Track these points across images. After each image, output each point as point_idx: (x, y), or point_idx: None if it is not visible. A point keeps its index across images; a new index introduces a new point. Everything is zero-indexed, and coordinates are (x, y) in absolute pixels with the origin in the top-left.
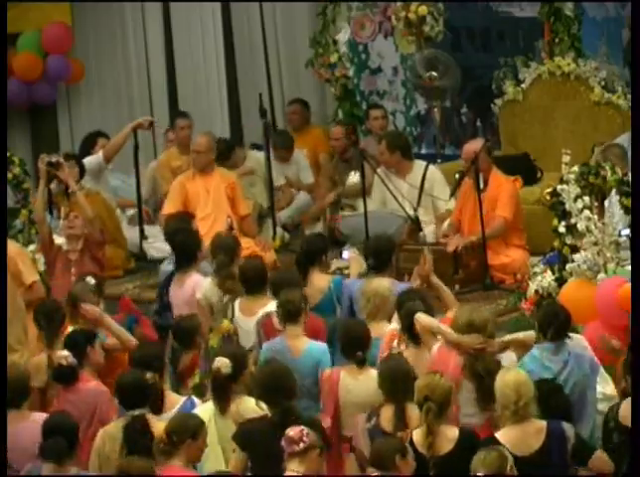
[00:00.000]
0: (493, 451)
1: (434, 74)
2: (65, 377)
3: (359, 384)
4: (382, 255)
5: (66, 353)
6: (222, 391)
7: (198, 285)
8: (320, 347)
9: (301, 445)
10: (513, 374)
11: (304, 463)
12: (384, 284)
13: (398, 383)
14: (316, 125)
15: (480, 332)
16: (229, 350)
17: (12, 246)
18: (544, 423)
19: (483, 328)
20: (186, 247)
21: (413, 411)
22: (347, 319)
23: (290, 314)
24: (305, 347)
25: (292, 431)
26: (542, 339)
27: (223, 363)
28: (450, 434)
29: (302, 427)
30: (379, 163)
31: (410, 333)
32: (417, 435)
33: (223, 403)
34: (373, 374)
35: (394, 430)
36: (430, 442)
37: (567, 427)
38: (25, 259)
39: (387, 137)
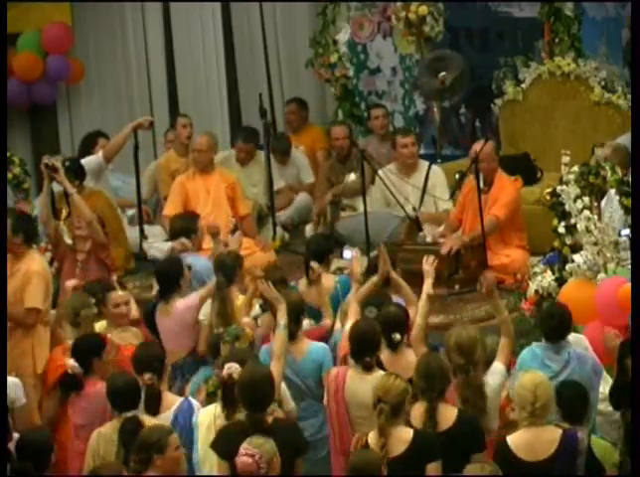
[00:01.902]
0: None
1: (444, 73)
2: (70, 385)
3: (366, 385)
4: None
5: (72, 363)
6: (232, 397)
7: (189, 308)
8: (322, 348)
9: (262, 472)
10: (530, 375)
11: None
12: None
13: (433, 379)
14: (314, 124)
15: (468, 353)
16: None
17: (39, 262)
18: (559, 432)
19: (471, 349)
20: (167, 276)
21: (446, 409)
22: (360, 322)
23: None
24: (307, 348)
25: (243, 464)
26: (542, 339)
27: (234, 369)
28: (404, 436)
29: (250, 453)
30: (379, 163)
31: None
32: (372, 437)
33: (231, 410)
34: (380, 375)
35: (423, 428)
36: (383, 444)
37: (581, 439)
38: (37, 282)
39: (414, 131)
